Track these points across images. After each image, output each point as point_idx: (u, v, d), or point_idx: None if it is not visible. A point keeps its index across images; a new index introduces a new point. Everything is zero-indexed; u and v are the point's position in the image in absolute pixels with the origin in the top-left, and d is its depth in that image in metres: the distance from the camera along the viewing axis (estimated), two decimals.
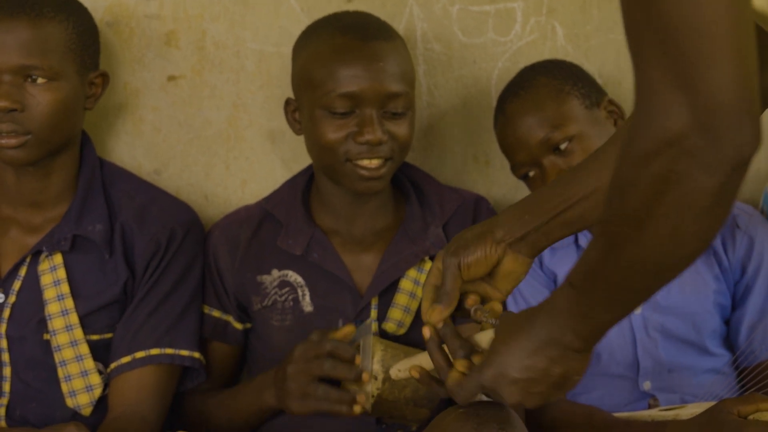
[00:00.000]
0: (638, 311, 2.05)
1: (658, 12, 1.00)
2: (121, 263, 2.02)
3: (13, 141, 1.92)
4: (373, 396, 1.87)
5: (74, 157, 2.04)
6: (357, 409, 1.87)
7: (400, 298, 2.06)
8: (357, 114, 1.98)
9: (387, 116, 1.99)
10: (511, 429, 1.43)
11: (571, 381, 1.35)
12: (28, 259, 2.00)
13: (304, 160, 2.14)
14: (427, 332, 1.48)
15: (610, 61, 2.26)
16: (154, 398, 1.99)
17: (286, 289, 2.07)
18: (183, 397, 2.10)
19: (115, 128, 2.23)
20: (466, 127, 2.28)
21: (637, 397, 2.07)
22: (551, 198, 1.48)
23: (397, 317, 2.05)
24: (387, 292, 2.06)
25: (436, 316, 1.48)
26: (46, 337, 1.99)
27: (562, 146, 2.02)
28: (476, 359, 1.44)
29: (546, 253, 2.08)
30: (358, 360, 1.88)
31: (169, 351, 2.02)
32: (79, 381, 2.00)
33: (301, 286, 2.07)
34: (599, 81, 2.17)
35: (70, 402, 2.00)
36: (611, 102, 2.08)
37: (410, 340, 1.98)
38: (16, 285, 2.00)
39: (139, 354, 2.00)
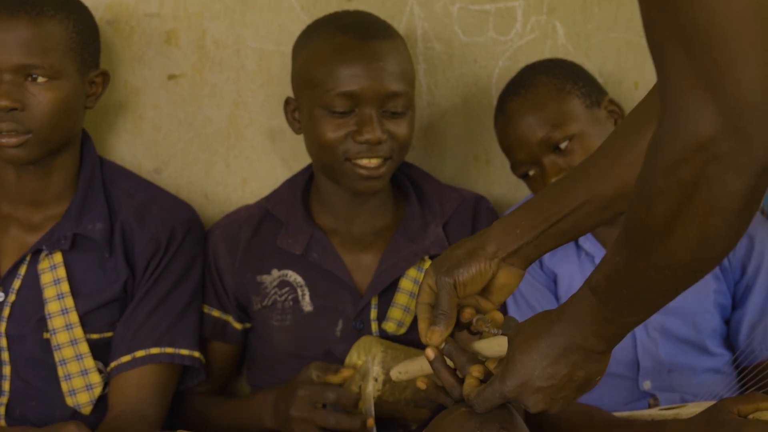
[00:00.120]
0: None
1: (681, 15, 0.99)
2: (121, 262, 2.02)
3: (13, 140, 1.92)
4: (373, 397, 1.87)
5: (74, 155, 2.04)
6: None
7: (400, 298, 2.05)
8: (356, 113, 1.98)
9: (386, 115, 1.99)
10: (513, 428, 1.43)
11: (593, 382, 1.35)
12: (28, 258, 2.00)
13: (304, 159, 2.13)
14: (431, 354, 1.48)
15: (610, 60, 2.26)
16: (154, 397, 1.99)
17: (286, 288, 2.07)
18: (183, 397, 2.10)
19: (115, 127, 2.23)
20: (466, 127, 2.28)
21: (637, 397, 2.07)
22: (542, 210, 1.47)
23: (397, 317, 2.05)
24: (387, 292, 2.06)
25: (437, 338, 1.48)
26: (46, 335, 1.99)
27: (563, 145, 2.02)
28: (490, 365, 1.43)
29: (546, 254, 2.08)
30: (361, 404, 1.88)
31: (169, 350, 2.02)
32: (79, 380, 2.00)
33: (301, 286, 2.06)
34: (600, 80, 2.17)
35: (69, 401, 2.00)
36: (612, 101, 2.08)
37: (410, 339, 1.98)
38: (16, 284, 2.00)
39: (139, 353, 2.00)
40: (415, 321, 2.04)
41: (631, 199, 1.12)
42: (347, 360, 1.94)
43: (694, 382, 2.07)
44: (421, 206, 2.10)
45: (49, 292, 1.99)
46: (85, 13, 2.02)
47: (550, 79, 2.06)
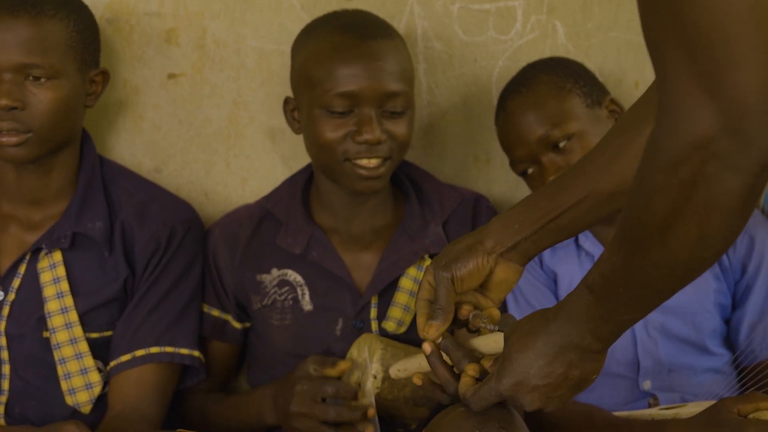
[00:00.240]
0: None
1: (681, 16, 0.99)
2: (121, 261, 2.02)
3: (14, 139, 1.92)
4: (372, 395, 1.87)
5: (74, 154, 2.04)
6: None
7: (400, 297, 2.05)
8: (355, 113, 1.97)
9: (386, 115, 1.99)
10: (512, 428, 1.43)
11: (589, 381, 1.35)
12: (27, 257, 2.00)
13: (304, 158, 2.13)
14: (427, 348, 1.48)
15: (610, 59, 2.26)
16: (153, 396, 1.99)
17: (286, 288, 2.07)
18: (183, 396, 2.09)
19: (115, 126, 2.23)
20: (466, 126, 2.28)
21: (637, 397, 2.07)
22: (541, 206, 1.47)
23: (397, 316, 2.05)
24: (387, 291, 2.05)
25: (434, 332, 1.48)
26: (46, 334, 1.99)
27: (561, 144, 2.02)
28: (486, 363, 1.43)
29: (546, 253, 2.08)
30: (360, 396, 1.88)
31: (168, 349, 2.01)
32: (79, 379, 2.00)
33: (301, 285, 2.06)
34: (600, 80, 2.17)
35: (69, 400, 2.00)
36: (613, 101, 2.08)
37: (410, 338, 1.98)
38: (16, 282, 2.00)
39: (139, 352, 2.00)
40: (415, 320, 2.04)
41: (629, 197, 1.12)
42: (347, 357, 1.93)
43: (694, 381, 2.07)
44: (420, 205, 2.10)
45: (48, 291, 1.99)
46: (85, 12, 2.02)
47: (552, 78, 2.06)
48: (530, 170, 2.06)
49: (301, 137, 2.07)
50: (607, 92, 2.10)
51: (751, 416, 1.72)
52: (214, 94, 2.23)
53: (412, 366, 1.61)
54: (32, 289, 1.99)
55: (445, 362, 1.47)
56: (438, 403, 1.88)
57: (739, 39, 0.98)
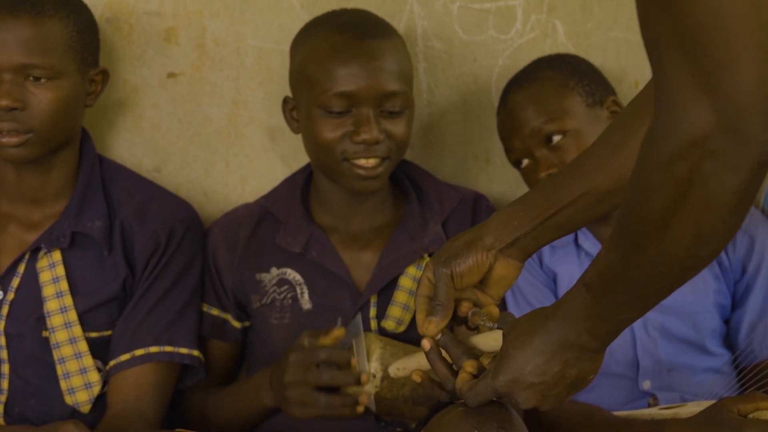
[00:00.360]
0: None
1: (679, 13, 0.99)
2: (121, 260, 2.02)
3: (14, 140, 1.92)
4: (371, 394, 1.87)
5: (74, 154, 2.04)
6: (360, 409, 1.87)
7: (400, 296, 2.05)
8: (354, 113, 1.97)
9: (384, 115, 1.99)
10: (511, 428, 1.42)
11: (586, 381, 1.35)
12: (26, 256, 2.00)
13: (303, 158, 2.13)
14: (426, 345, 1.48)
15: (611, 58, 2.26)
16: (153, 396, 1.99)
17: (285, 287, 2.07)
18: (182, 395, 2.09)
19: (114, 125, 2.23)
20: (466, 125, 2.28)
21: (637, 396, 2.07)
22: (540, 202, 1.47)
23: (397, 315, 2.05)
24: (386, 290, 2.05)
25: (433, 328, 1.48)
26: (45, 334, 1.99)
27: (555, 139, 2.02)
28: (484, 360, 1.43)
29: (546, 252, 2.08)
30: (354, 363, 1.88)
31: (168, 349, 2.01)
32: (78, 378, 1.99)
33: (300, 284, 2.06)
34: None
35: (68, 399, 2.00)
36: (615, 102, 2.08)
37: (409, 337, 1.98)
38: (15, 282, 2.00)
39: (138, 352, 2.00)
40: (414, 319, 2.04)
41: (626, 194, 1.12)
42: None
43: (694, 381, 2.07)
44: (420, 204, 2.10)
45: (47, 291, 1.99)
46: (85, 12, 2.02)
47: (555, 74, 2.07)
48: (525, 162, 2.07)
49: (300, 136, 2.07)
50: (611, 92, 2.09)
51: (750, 416, 1.72)
52: (213, 94, 2.23)
53: (411, 365, 1.61)
54: (31, 288, 1.99)
55: (444, 359, 1.47)
56: (437, 402, 1.88)
57: (738, 37, 0.98)
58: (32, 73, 1.92)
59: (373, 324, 2.04)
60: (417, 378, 1.51)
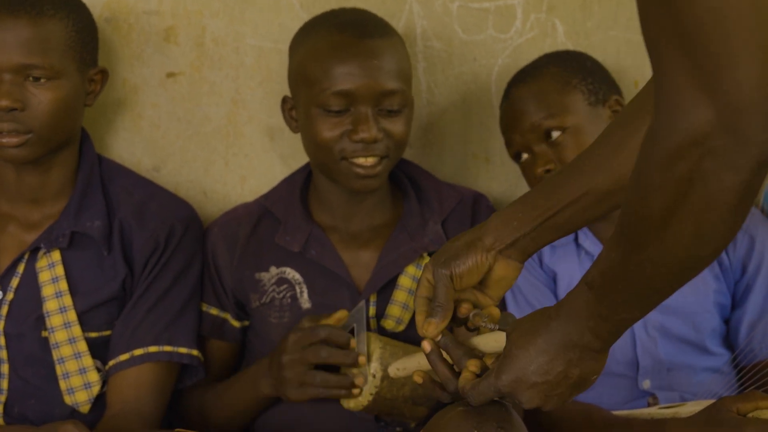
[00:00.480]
0: None
1: (679, 12, 0.98)
2: (120, 260, 2.01)
3: (14, 140, 1.92)
4: (371, 394, 1.87)
5: (74, 153, 2.04)
6: (356, 391, 1.87)
7: (399, 295, 2.05)
8: (352, 112, 1.97)
9: (382, 114, 1.99)
10: (511, 427, 1.42)
11: (589, 381, 1.35)
12: (26, 256, 2.00)
13: (303, 157, 2.13)
14: (427, 346, 1.47)
15: (610, 58, 2.26)
16: (152, 396, 1.99)
17: (284, 286, 2.07)
18: (181, 395, 2.09)
19: (113, 125, 2.23)
20: (465, 125, 2.28)
21: (637, 396, 2.07)
22: (540, 202, 1.47)
23: (396, 314, 2.05)
24: (385, 289, 2.05)
25: (433, 330, 1.48)
26: (45, 334, 1.99)
27: (554, 135, 2.03)
28: (487, 361, 1.43)
29: (546, 252, 2.08)
30: (353, 343, 1.88)
31: (167, 348, 2.01)
32: (77, 378, 1.99)
33: (299, 283, 2.06)
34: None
35: (68, 399, 2.00)
36: (618, 101, 2.08)
37: (409, 336, 1.98)
38: (14, 282, 2.00)
39: (138, 351, 2.00)
40: (414, 318, 2.04)
41: (627, 193, 1.12)
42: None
43: (694, 381, 2.07)
44: (419, 203, 2.10)
45: (47, 291, 1.99)
46: (84, 11, 2.02)
47: (559, 71, 2.07)
48: (524, 156, 2.07)
49: (299, 136, 2.07)
50: (616, 92, 2.09)
51: (750, 415, 1.72)
52: (213, 93, 2.23)
53: (412, 365, 1.61)
54: (31, 288, 1.99)
55: (445, 360, 1.47)
56: (437, 402, 1.88)
57: (738, 36, 0.97)
58: (32, 74, 1.92)
59: (373, 323, 2.04)
60: (418, 379, 1.51)
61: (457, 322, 1.52)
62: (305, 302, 2.06)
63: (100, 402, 2.01)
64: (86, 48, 1.99)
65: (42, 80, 1.92)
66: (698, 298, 2.06)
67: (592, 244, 2.08)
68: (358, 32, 1.99)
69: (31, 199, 2.02)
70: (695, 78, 1.00)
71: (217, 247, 2.09)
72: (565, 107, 2.04)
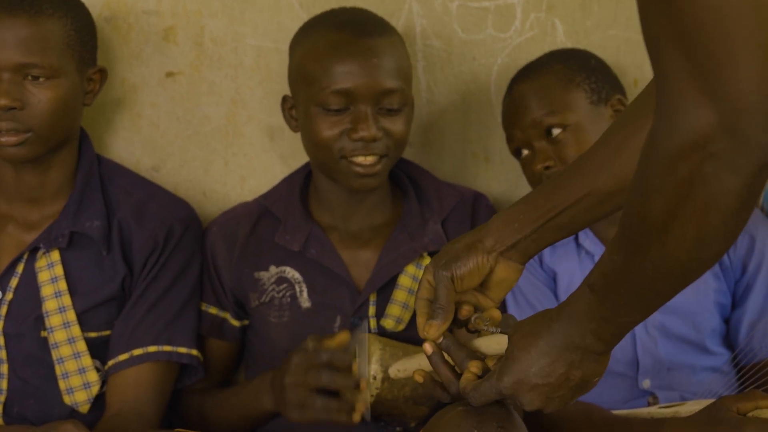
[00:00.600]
0: None
1: (680, 13, 0.98)
2: (119, 260, 2.01)
3: (13, 139, 1.92)
4: (372, 396, 1.87)
5: (73, 153, 2.03)
6: (356, 417, 1.87)
7: (399, 295, 2.05)
8: (351, 111, 1.97)
9: (382, 113, 1.98)
10: (511, 427, 1.42)
11: (590, 383, 1.34)
12: (25, 256, 2.00)
13: (302, 157, 2.13)
14: (429, 348, 1.47)
15: (610, 57, 2.26)
16: (151, 395, 1.99)
17: (284, 285, 2.06)
18: (181, 395, 2.09)
19: (113, 124, 2.23)
20: (465, 124, 2.28)
21: (637, 395, 2.06)
22: (541, 204, 1.46)
23: (396, 313, 2.04)
24: (385, 289, 2.05)
25: (434, 332, 1.47)
26: (44, 334, 1.99)
27: (555, 132, 2.03)
28: (489, 363, 1.43)
29: (546, 251, 2.08)
30: (355, 367, 1.87)
31: (166, 348, 2.01)
32: (77, 378, 1.99)
33: (299, 283, 2.06)
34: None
35: (67, 399, 1.99)
36: (620, 101, 2.07)
37: (409, 336, 1.98)
38: (14, 282, 2.00)
39: (137, 351, 1.99)
40: (413, 318, 2.04)
41: (628, 196, 1.12)
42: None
43: (694, 380, 2.07)
44: (419, 203, 2.10)
45: (46, 290, 1.99)
46: (83, 11, 2.02)
47: (563, 68, 2.07)
48: (524, 152, 2.07)
49: (299, 135, 2.07)
50: (619, 91, 2.09)
51: (750, 414, 1.72)
52: (212, 93, 2.22)
53: (412, 366, 1.61)
54: (30, 288, 1.99)
55: (447, 362, 1.47)
56: (438, 402, 1.88)
57: (738, 38, 0.97)
58: (31, 72, 1.92)
59: (372, 323, 2.04)
60: (420, 378, 1.51)
61: (457, 324, 1.52)
62: (305, 301, 2.06)
63: (99, 402, 2.01)
64: (85, 47, 1.99)
65: (41, 79, 1.92)
66: (698, 297, 2.06)
67: (592, 244, 2.08)
68: (357, 31, 1.99)
69: (30, 199, 2.02)
70: (696, 79, 0.99)
71: (217, 247, 2.09)
72: (567, 105, 2.04)
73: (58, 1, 1.95)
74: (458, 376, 1.45)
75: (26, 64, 1.91)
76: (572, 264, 2.08)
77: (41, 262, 1.99)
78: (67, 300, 1.99)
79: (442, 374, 1.46)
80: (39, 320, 1.99)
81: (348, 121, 1.97)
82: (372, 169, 1.98)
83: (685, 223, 1.06)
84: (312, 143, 2.01)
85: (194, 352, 2.04)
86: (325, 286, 2.06)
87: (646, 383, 2.06)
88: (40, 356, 1.99)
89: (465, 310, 1.50)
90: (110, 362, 2.00)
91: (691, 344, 2.07)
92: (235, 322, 2.10)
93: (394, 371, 1.64)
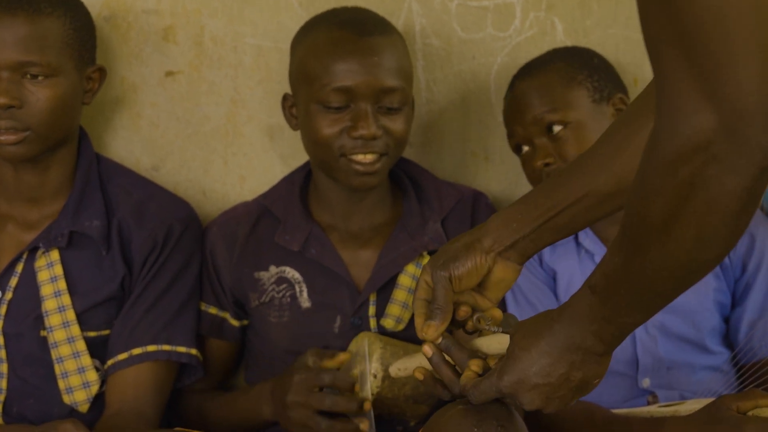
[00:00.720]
0: None
1: (680, 14, 0.98)
2: (119, 259, 2.01)
3: (12, 137, 1.92)
4: (372, 395, 1.87)
5: (72, 152, 2.03)
6: None
7: (399, 294, 2.05)
8: (351, 109, 1.97)
9: (382, 111, 1.99)
10: (511, 426, 1.42)
11: (591, 384, 1.34)
12: (24, 256, 2.00)
13: (302, 156, 2.13)
14: (428, 350, 1.47)
15: (609, 56, 2.25)
16: (151, 395, 1.99)
17: (284, 285, 2.06)
18: (180, 394, 2.09)
19: (112, 124, 2.22)
20: (464, 123, 2.28)
21: (636, 394, 2.06)
22: (539, 204, 1.46)
23: (396, 313, 2.04)
24: (385, 288, 2.05)
25: (433, 332, 1.47)
26: (43, 333, 1.99)
27: (556, 129, 2.03)
28: (490, 362, 1.43)
29: (545, 251, 2.08)
30: (357, 388, 1.87)
31: (166, 348, 2.01)
32: (76, 378, 1.99)
33: (299, 282, 2.06)
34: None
35: (67, 399, 1.99)
36: (622, 100, 2.08)
37: (409, 335, 1.98)
38: (13, 281, 1.99)
39: (136, 351, 1.99)
40: (414, 317, 2.04)
41: (630, 197, 1.12)
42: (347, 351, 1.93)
43: (693, 379, 2.07)
44: (419, 202, 2.10)
45: (46, 290, 1.99)
46: (82, 9, 2.02)
47: (565, 66, 2.07)
48: (525, 149, 2.07)
49: (299, 135, 2.07)
50: (621, 90, 2.09)
51: (750, 413, 1.72)
52: (212, 92, 2.22)
53: (413, 364, 1.61)
54: (29, 287, 1.99)
55: (447, 362, 1.46)
56: (438, 400, 1.88)
57: (738, 38, 0.97)
58: (30, 71, 1.92)
59: (372, 322, 2.03)
60: (420, 376, 1.51)
61: (455, 324, 1.52)
62: (305, 301, 2.06)
63: (98, 401, 2.01)
64: (84, 46, 1.99)
65: (40, 78, 1.92)
66: (698, 296, 2.06)
67: (592, 243, 2.08)
68: (358, 30, 1.99)
69: (29, 199, 2.02)
70: (696, 80, 0.99)
71: (216, 246, 2.09)
72: (569, 102, 2.04)
73: (57, 0, 1.95)
74: (459, 375, 1.45)
75: (25, 62, 1.91)
76: (572, 263, 2.08)
77: (41, 262, 1.99)
78: (66, 299, 1.99)
79: (443, 375, 1.46)
80: (38, 320, 1.99)
81: (348, 119, 1.97)
82: (371, 167, 1.98)
83: (685, 224, 1.06)
84: (312, 141, 2.01)
85: (193, 351, 2.04)
86: (325, 286, 2.06)
87: (645, 382, 2.06)
88: (40, 356, 1.99)
89: (463, 311, 1.50)
90: (109, 362, 2.00)
91: (691, 343, 2.07)
92: (235, 322, 2.10)
93: (394, 370, 1.64)
